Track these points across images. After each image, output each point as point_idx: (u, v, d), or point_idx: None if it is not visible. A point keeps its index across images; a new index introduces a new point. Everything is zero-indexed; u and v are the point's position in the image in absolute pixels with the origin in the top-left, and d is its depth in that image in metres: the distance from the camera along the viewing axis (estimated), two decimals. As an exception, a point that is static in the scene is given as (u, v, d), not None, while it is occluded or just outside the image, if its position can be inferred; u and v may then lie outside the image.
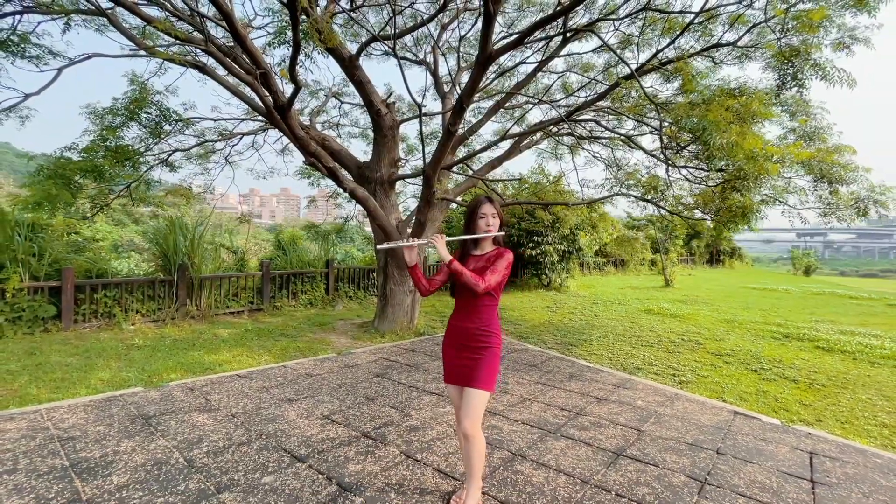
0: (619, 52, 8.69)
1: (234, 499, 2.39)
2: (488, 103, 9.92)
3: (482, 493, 2.43)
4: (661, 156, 5.16)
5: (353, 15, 8.09)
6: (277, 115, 3.97)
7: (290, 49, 3.35)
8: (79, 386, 4.36)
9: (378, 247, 2.46)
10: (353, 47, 7.52)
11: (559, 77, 9.35)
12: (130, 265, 9.27)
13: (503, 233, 2.36)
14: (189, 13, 5.21)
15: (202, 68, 4.94)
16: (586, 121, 7.45)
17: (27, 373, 4.66)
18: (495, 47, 4.91)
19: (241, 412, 3.61)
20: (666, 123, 4.72)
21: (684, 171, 5.29)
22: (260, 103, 5.00)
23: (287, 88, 5.30)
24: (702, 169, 5.40)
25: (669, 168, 5.31)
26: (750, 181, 4.24)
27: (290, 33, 2.97)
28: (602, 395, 4.24)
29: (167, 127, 5.64)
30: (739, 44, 6.37)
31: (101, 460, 2.77)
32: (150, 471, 2.65)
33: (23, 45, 3.97)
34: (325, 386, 4.30)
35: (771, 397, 4.61)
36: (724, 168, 4.53)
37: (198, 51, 4.95)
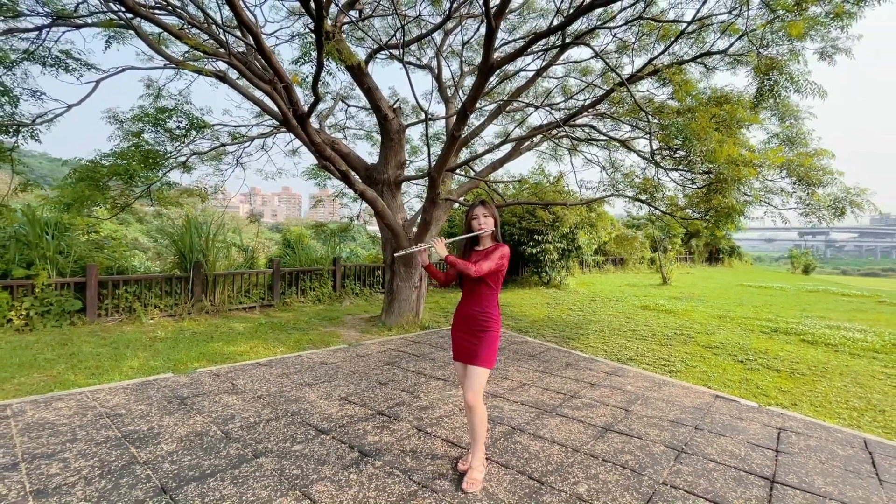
0: (616, 57, 9.06)
1: (271, 462, 2.76)
2: (490, 107, 10.29)
3: (486, 459, 2.80)
4: (652, 159, 5.51)
5: (360, 26, 8.47)
6: (297, 123, 4.33)
7: (314, 67, 3.71)
8: (112, 373, 4.73)
9: (396, 255, 2.84)
10: (359, 53, 7.87)
11: (559, 82, 9.71)
12: (134, 263, 9.63)
13: (490, 230, 2.70)
14: (205, 23, 5.58)
15: (223, 77, 5.30)
16: (585, 125, 7.79)
17: (62, 361, 5.04)
18: (497, 57, 5.26)
19: (266, 394, 3.98)
20: (656, 129, 5.07)
21: (674, 174, 5.63)
22: (277, 111, 5.36)
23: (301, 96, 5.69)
24: (688, 172, 5.75)
25: (659, 170, 5.65)
26: (729, 184, 4.59)
27: (314, 53, 3.30)
28: (595, 381, 4.60)
29: (194, 133, 6.01)
30: (730, 51, 6.74)
31: (149, 432, 3.14)
32: (193, 441, 3.02)
33: (66, 60, 4.32)
34: (340, 372, 4.67)
35: (753, 385, 4.96)
36: (708, 171, 4.88)
37: (219, 62, 5.32)
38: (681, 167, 5.42)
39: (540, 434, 3.24)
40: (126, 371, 4.80)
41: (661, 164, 5.49)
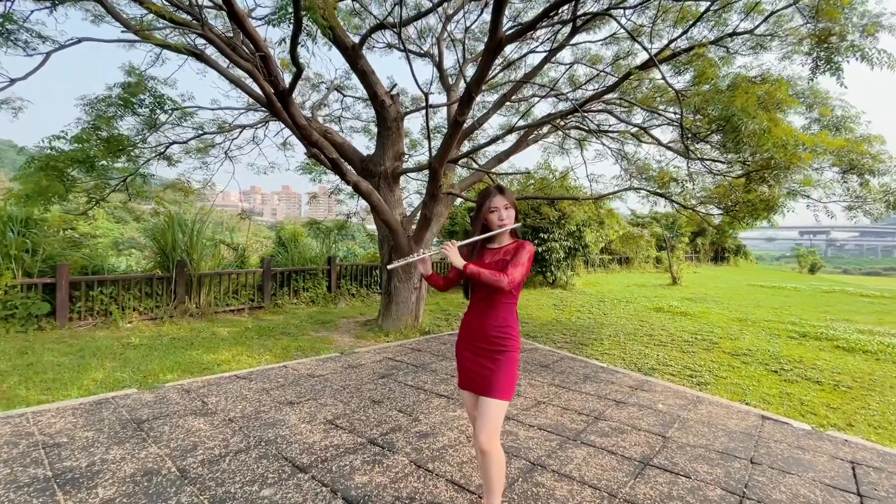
0: (630, 42, 8.48)
1: (230, 515, 2.18)
2: (494, 97, 9.70)
3: (502, 509, 2.22)
4: (681, 146, 4.92)
5: (356, 6, 7.87)
6: (278, 102, 3.75)
7: (291, 26, 3.13)
8: (70, 387, 4.15)
9: (389, 266, 2.25)
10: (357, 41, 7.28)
11: (567, 69, 9.12)
12: (131, 262, 9.07)
13: (518, 224, 2.14)
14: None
15: (200, 55, 4.71)
16: (599, 111, 7.20)
17: (17, 373, 4.46)
18: (506, 34, 4.68)
19: (239, 416, 3.40)
20: (688, 111, 4.47)
21: (705, 163, 5.04)
22: (260, 93, 4.78)
23: (287, 79, 5.11)
24: (720, 162, 5.16)
25: (689, 160, 5.06)
26: (780, 171, 4.01)
27: (291, 9, 2.77)
28: (620, 398, 4.03)
29: (162, 116, 5.41)
30: (756, 32, 6.16)
31: (88, 470, 2.57)
32: (140, 482, 2.45)
33: (7, 27, 3.74)
34: (329, 388, 4.09)
35: (796, 400, 4.39)
36: (746, 160, 4.30)
37: (196, 41, 4.73)
38: (711, 156, 4.82)
39: (566, 472, 2.66)
40: (86, 385, 4.22)
41: (692, 152, 4.89)
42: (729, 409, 3.85)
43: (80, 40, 4.07)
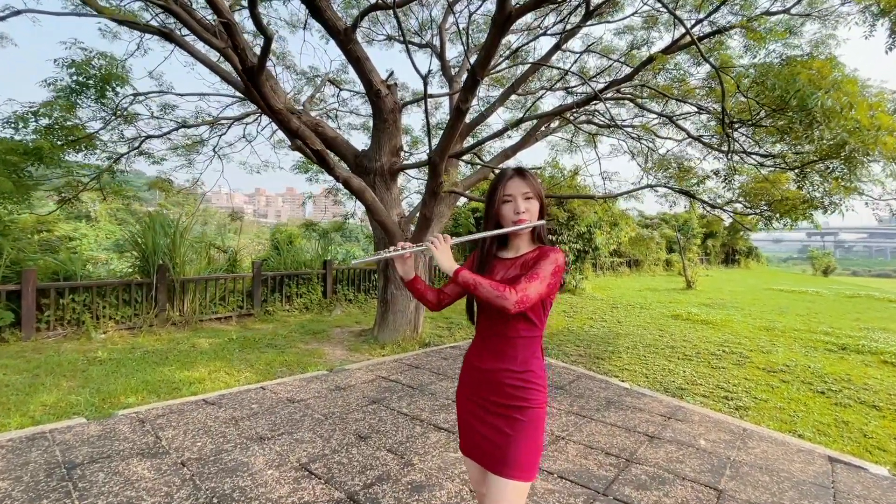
0: (645, 31, 7.85)
1: None
2: (498, 92, 9.11)
3: None
4: (714, 139, 4.29)
5: None
6: (246, 78, 3.17)
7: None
8: (13, 414, 3.58)
9: (354, 262, 1.65)
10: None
11: (577, 58, 8.50)
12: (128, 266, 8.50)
13: (542, 222, 1.51)
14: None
15: (168, 35, 4.14)
16: (616, 100, 6.58)
17: (-44, 396, 3.90)
18: (515, 5, 4.08)
19: (194, 458, 2.80)
20: (731, 92, 3.83)
21: (749, 156, 4.40)
22: (237, 77, 4.19)
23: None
24: (759, 155, 4.51)
25: (729, 154, 4.40)
26: (855, 160, 3.37)
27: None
28: (652, 432, 3.40)
29: (124, 102, 4.83)
30: (792, 12, 5.54)
31: (-21, 544, 1.98)
32: (39, 566, 1.85)
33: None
34: (309, 417, 3.49)
35: (856, 431, 3.75)
36: (800, 151, 3.66)
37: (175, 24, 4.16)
38: (772, 141, 4.15)
39: (600, 548, 2.05)
40: (32, 411, 3.65)
41: (733, 141, 4.23)
42: (787, 448, 3.21)
43: (18, 12, 3.52)
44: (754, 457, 3.03)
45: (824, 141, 3.13)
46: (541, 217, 1.50)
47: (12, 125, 3.99)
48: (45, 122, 4.04)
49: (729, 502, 2.46)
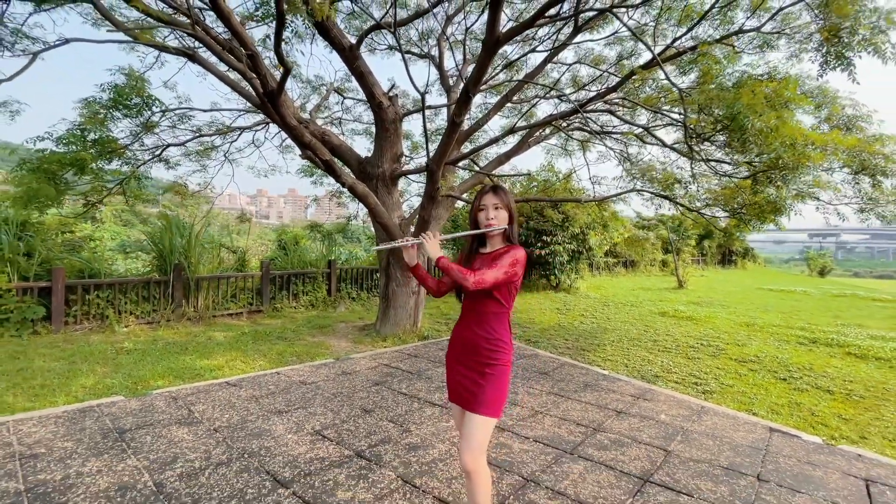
0: (633, 41, 8.33)
1: (203, 535, 2.07)
2: (494, 99, 9.59)
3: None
4: (685, 147, 4.76)
5: (356, 8, 7.79)
6: (268, 102, 3.66)
7: (275, 23, 3.04)
8: (58, 393, 4.08)
9: (373, 248, 2.15)
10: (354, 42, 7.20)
11: (568, 69, 8.99)
12: (138, 266, 9.01)
13: (503, 227, 1.97)
14: None
15: (192, 56, 4.64)
16: (602, 111, 7.06)
17: (6, 379, 4.39)
18: (504, 30, 4.56)
19: (224, 426, 3.29)
20: (690, 114, 4.33)
21: (710, 164, 4.88)
22: (254, 93, 4.69)
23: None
24: (725, 162, 5.00)
25: (693, 161, 4.90)
26: (788, 171, 3.84)
27: (273, 4, 2.67)
28: (621, 408, 3.88)
29: (154, 117, 5.34)
30: (763, 30, 6.01)
31: (61, 484, 2.47)
32: (113, 498, 2.34)
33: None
34: (320, 396, 3.98)
35: (806, 410, 4.21)
36: (752, 161, 4.13)
37: (195, 44, 4.65)
38: (716, 157, 4.66)
39: (560, 489, 2.52)
40: (75, 392, 4.14)
41: (696, 153, 4.73)
42: (735, 421, 3.68)
43: (67, 41, 4.01)
44: (705, 427, 3.50)
45: (761, 156, 3.57)
46: (510, 223, 1.99)
47: (64, 142, 4.49)
48: (92, 136, 4.54)
49: (674, 459, 2.93)
